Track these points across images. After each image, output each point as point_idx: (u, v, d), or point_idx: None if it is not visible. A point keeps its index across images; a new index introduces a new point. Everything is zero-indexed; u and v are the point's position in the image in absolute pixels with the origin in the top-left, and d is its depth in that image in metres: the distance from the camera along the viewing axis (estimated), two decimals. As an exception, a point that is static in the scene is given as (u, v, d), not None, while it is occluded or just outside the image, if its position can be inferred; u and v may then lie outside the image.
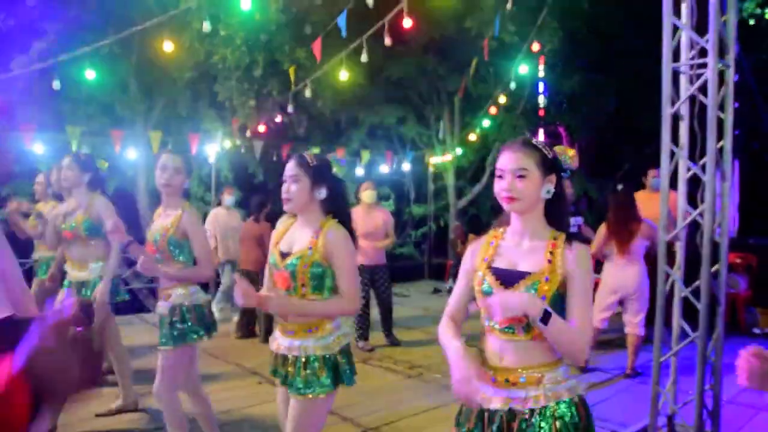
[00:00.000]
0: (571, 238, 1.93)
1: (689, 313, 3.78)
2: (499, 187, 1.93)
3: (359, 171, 11.73)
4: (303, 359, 2.47)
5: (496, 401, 1.91)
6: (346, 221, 2.57)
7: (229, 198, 7.63)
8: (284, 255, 2.52)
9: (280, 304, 2.53)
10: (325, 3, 8.04)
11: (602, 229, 5.58)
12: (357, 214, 6.43)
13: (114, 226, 3.10)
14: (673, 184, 3.84)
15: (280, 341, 2.57)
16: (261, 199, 6.93)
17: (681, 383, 3.93)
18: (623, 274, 5.39)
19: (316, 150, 9.72)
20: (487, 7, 8.60)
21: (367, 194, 6.38)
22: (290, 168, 2.51)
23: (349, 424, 4.22)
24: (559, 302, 1.86)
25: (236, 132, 9.34)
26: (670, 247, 3.94)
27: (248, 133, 9.10)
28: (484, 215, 14.64)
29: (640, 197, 6.25)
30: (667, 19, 3.67)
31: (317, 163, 2.56)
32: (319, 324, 2.50)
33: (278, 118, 8.67)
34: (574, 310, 1.87)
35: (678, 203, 3.92)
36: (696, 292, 3.68)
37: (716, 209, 3.64)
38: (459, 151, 12.13)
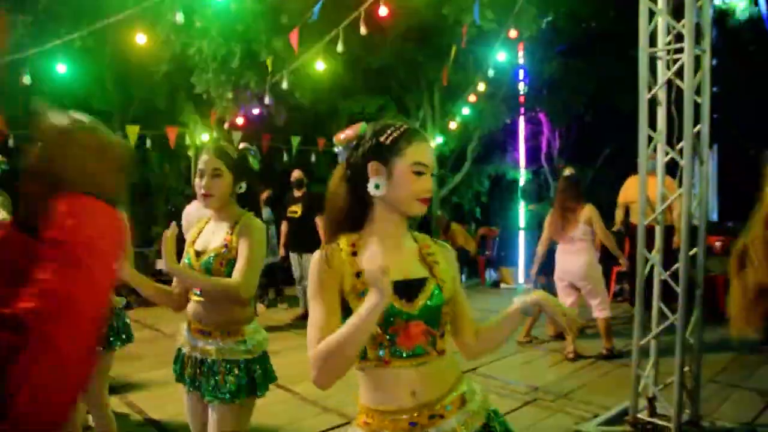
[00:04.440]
0: None
1: (669, 296, 3.82)
2: (423, 187, 1.59)
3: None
4: (222, 362, 2.35)
5: None
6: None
7: None
8: (198, 253, 2.44)
9: (182, 274, 2.35)
10: (302, -8, 7.97)
11: (547, 217, 5.71)
12: None
13: None
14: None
15: (193, 342, 2.41)
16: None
17: (661, 365, 3.97)
18: (567, 260, 5.48)
19: (295, 140, 9.66)
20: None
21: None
22: None
23: (333, 414, 4.21)
24: None
25: (214, 124, 9.25)
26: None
27: (226, 126, 9.02)
28: (465, 204, 14.67)
29: (631, 182, 6.30)
30: (644, 5, 3.68)
31: None
32: (237, 327, 2.41)
33: (257, 110, 8.58)
34: None
35: (657, 187, 3.94)
36: (675, 276, 3.72)
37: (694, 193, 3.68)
38: (440, 139, 12.11)
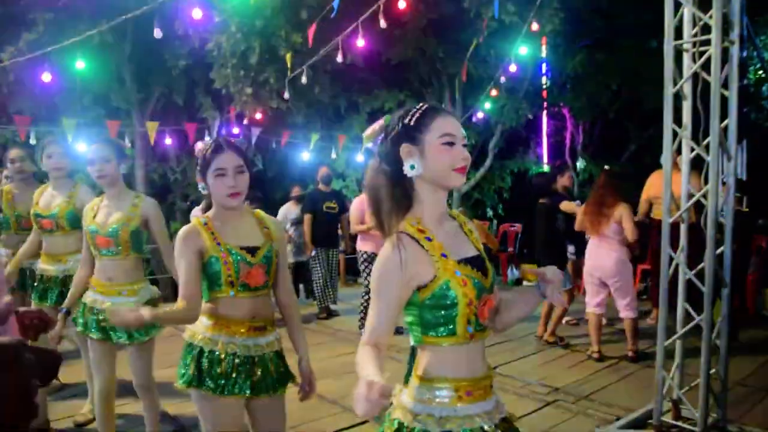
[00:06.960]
0: None
1: (696, 296, 3.71)
2: (457, 156, 1.60)
3: (360, 158, 11.61)
4: (271, 355, 2.38)
5: (477, 420, 1.60)
6: None
7: None
8: (251, 249, 2.32)
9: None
10: (321, -14, 7.90)
11: (581, 208, 5.61)
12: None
13: None
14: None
15: (247, 342, 2.30)
16: None
17: (686, 367, 3.86)
18: (599, 256, 5.38)
19: (314, 137, 9.62)
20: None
21: None
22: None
23: (351, 414, 4.17)
24: None
25: (234, 120, 9.24)
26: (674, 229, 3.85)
27: (246, 121, 9.00)
28: (487, 200, 14.52)
29: (655, 178, 6.13)
30: (669, -5, 3.56)
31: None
32: (273, 318, 2.45)
33: (275, 105, 8.55)
34: None
35: (682, 184, 3.82)
36: (701, 275, 3.60)
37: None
38: (461, 134, 11.96)
